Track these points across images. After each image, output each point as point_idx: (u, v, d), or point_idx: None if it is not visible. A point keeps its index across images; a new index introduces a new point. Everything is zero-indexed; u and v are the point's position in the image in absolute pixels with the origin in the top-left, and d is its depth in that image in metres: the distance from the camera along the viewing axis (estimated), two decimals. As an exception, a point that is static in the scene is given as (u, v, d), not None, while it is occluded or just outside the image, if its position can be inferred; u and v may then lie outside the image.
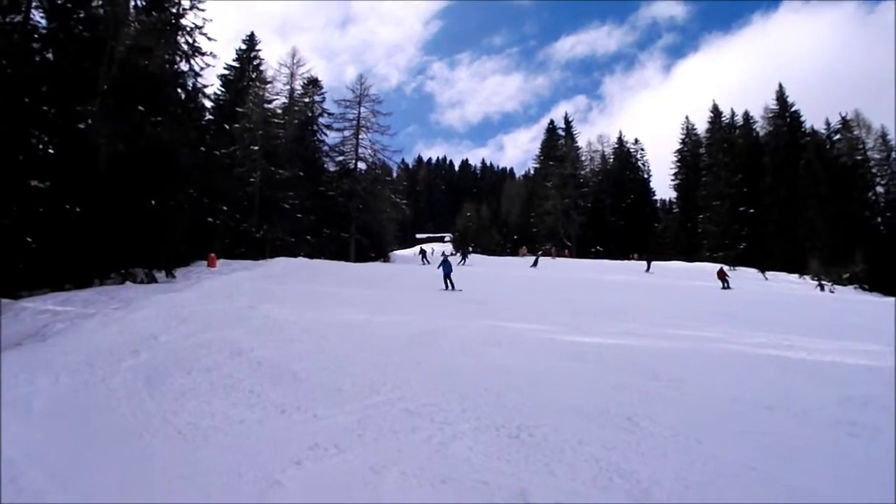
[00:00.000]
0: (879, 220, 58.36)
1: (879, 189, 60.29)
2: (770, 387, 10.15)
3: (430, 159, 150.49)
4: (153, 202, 22.53)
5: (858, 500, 5.81)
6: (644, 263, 47.21)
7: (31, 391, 8.06)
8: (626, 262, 58.50)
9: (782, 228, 60.52)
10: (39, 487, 5.50)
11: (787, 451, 7.03)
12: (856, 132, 62.49)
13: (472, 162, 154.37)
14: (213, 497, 5.42)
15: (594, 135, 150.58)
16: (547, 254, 61.31)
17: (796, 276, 47.30)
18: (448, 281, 24.99)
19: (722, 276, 33.15)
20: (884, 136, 61.00)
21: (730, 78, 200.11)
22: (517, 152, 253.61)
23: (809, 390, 9.97)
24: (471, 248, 55.42)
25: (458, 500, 5.55)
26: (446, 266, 25.84)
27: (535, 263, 45.71)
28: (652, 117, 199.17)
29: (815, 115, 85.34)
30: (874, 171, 60.79)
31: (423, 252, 50.17)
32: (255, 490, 5.56)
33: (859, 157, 61.23)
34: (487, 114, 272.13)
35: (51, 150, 20.75)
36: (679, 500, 5.65)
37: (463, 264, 42.79)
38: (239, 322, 13.62)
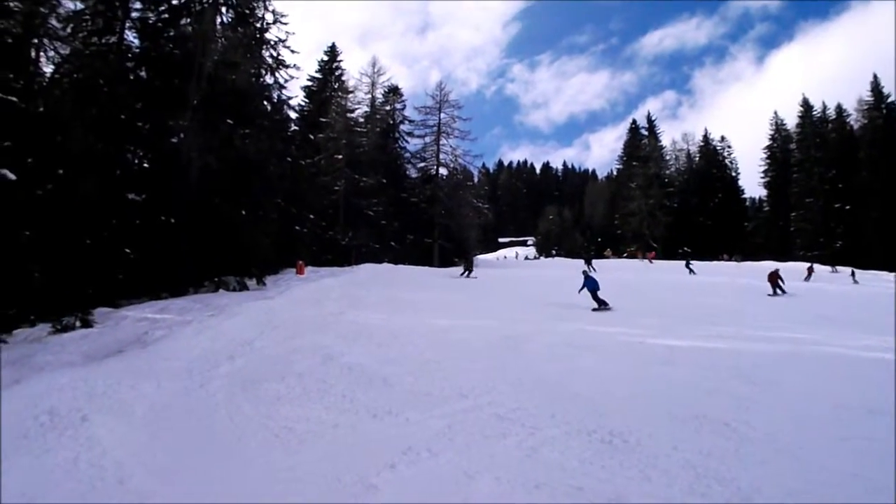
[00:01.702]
0: None
1: None
2: (873, 391, 9.72)
3: (510, 163, 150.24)
4: (243, 212, 23.16)
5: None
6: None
7: (135, 396, 8.35)
8: (716, 262, 56.90)
9: (882, 225, 57.97)
10: (147, 488, 5.71)
11: (893, 459, 6.73)
12: (957, 121, 59.45)
13: (553, 164, 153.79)
14: (312, 498, 5.52)
15: (680, 132, 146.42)
16: (632, 256, 59.88)
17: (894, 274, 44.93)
18: (598, 300, 19.90)
19: (774, 280, 26.75)
20: None
21: (827, 68, 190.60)
22: (604, 151, 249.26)
23: (916, 395, 9.53)
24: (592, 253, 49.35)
25: (554, 505, 5.50)
26: (591, 282, 20.46)
27: (688, 269, 40.71)
28: (744, 111, 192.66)
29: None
30: (978, 161, 57.60)
31: (468, 263, 37.24)
32: (351, 493, 5.64)
33: (961, 148, 58.18)
34: (573, 113, 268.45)
35: (146, 165, 21.63)
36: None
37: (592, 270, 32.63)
38: (328, 328, 13.82)
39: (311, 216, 38.49)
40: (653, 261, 57.75)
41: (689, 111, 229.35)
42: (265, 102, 30.40)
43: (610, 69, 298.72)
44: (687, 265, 41.82)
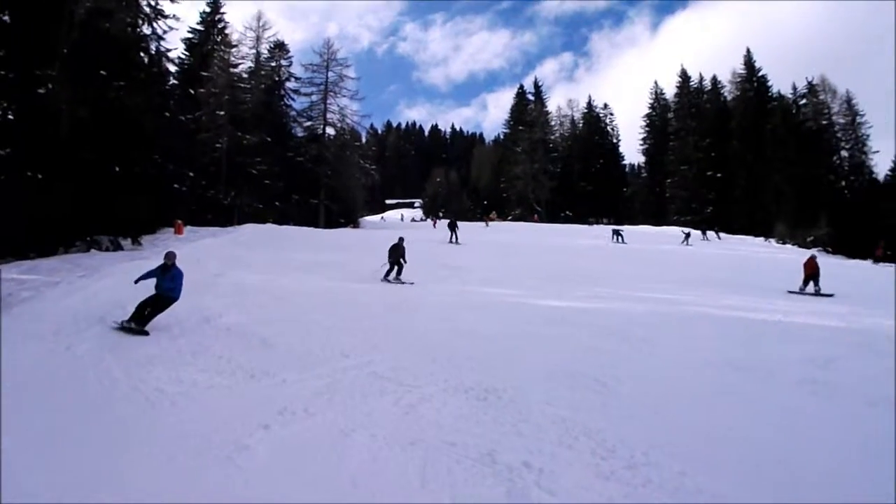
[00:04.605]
0: (843, 183, 58.62)
1: (844, 153, 60.40)
2: (739, 348, 10.43)
3: (399, 124, 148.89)
4: (117, 168, 22.18)
5: (816, 455, 6.00)
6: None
7: (-6, 360, 7.95)
8: (595, 226, 58.60)
9: (749, 192, 61.05)
10: (7, 458, 5.44)
11: (751, 410, 7.27)
12: (821, 97, 62.51)
13: (443, 126, 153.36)
14: (180, 461, 5.41)
15: (567, 98, 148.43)
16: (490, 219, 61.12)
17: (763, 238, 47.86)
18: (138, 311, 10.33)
19: (813, 269, 18.31)
20: (849, 100, 61.00)
21: (714, 36, 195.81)
22: (500, 112, 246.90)
23: (777, 351, 10.27)
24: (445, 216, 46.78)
25: (428, 461, 5.61)
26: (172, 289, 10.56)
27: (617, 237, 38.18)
28: (638, 76, 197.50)
29: (800, 78, 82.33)
30: (839, 135, 60.75)
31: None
32: (222, 454, 5.57)
33: (825, 122, 61.20)
34: (472, 72, 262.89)
35: (10, 116, 20.26)
36: (644, 458, 5.77)
37: (454, 241, 31.99)
38: (207, 289, 13.49)
39: (191, 174, 37.37)
40: (489, 223, 57.80)
41: (585, 74, 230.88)
42: (142, 54, 29.11)
43: (512, 28, 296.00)
44: (615, 234, 39.10)
